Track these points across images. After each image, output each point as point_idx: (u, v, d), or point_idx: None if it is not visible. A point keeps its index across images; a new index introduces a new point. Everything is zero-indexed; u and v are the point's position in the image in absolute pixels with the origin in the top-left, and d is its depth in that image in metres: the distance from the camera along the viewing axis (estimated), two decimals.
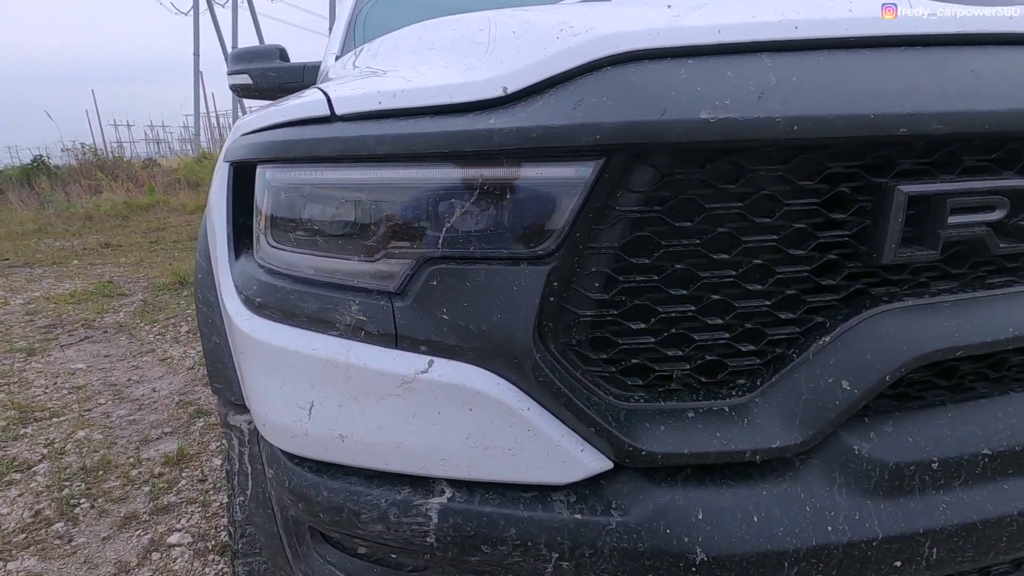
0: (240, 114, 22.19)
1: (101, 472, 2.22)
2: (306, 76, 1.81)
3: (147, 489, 2.11)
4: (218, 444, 2.42)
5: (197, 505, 2.02)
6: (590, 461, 0.61)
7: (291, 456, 0.72)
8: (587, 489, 0.63)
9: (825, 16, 0.58)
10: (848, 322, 0.62)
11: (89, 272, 5.52)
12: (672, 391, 0.64)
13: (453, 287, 0.61)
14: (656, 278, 0.60)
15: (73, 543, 1.85)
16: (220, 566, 1.74)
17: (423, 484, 0.65)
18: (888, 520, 0.60)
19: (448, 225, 0.61)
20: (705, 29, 0.57)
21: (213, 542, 1.83)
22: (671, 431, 0.61)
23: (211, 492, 2.08)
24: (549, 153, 0.55)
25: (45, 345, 3.63)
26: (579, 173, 0.57)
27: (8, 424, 2.59)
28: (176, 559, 1.77)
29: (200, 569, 1.72)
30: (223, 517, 1.95)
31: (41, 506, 2.02)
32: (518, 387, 0.61)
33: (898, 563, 0.61)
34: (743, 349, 0.63)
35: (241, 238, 0.84)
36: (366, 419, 0.65)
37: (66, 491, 2.10)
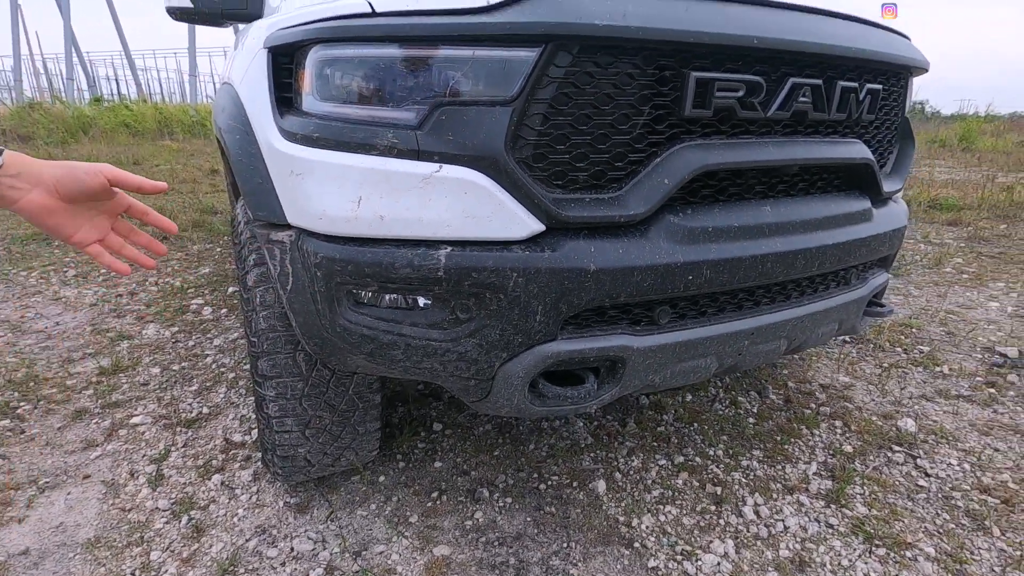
0: (76, 59, 19.29)
1: (32, 384, 2.27)
2: (250, 3, 2.02)
3: (90, 392, 2.23)
4: (151, 358, 2.54)
5: (149, 400, 2.19)
6: (533, 224, 1.08)
7: (338, 239, 1.10)
8: (531, 243, 1.10)
9: None
10: (669, 151, 1.14)
11: None
12: (577, 187, 1.13)
13: (455, 120, 1.03)
14: (569, 120, 1.07)
15: (27, 433, 1.96)
16: (188, 435, 1.97)
17: (432, 244, 1.08)
18: (686, 254, 1.15)
19: (453, 83, 1.03)
20: None
21: (177, 419, 2.04)
22: (577, 207, 1.10)
23: (159, 391, 2.25)
24: (514, 39, 0.99)
25: None
26: (531, 54, 1.01)
27: None
28: (144, 432, 1.97)
29: (171, 438, 1.95)
30: (182, 403, 2.16)
31: None
32: (494, 179, 1.05)
33: (690, 276, 1.16)
34: (616, 165, 1.13)
35: (278, 104, 1.18)
36: (398, 204, 1.05)
37: None
